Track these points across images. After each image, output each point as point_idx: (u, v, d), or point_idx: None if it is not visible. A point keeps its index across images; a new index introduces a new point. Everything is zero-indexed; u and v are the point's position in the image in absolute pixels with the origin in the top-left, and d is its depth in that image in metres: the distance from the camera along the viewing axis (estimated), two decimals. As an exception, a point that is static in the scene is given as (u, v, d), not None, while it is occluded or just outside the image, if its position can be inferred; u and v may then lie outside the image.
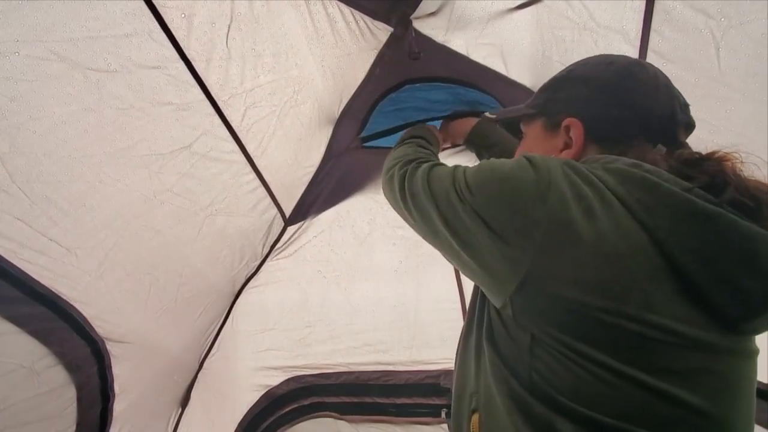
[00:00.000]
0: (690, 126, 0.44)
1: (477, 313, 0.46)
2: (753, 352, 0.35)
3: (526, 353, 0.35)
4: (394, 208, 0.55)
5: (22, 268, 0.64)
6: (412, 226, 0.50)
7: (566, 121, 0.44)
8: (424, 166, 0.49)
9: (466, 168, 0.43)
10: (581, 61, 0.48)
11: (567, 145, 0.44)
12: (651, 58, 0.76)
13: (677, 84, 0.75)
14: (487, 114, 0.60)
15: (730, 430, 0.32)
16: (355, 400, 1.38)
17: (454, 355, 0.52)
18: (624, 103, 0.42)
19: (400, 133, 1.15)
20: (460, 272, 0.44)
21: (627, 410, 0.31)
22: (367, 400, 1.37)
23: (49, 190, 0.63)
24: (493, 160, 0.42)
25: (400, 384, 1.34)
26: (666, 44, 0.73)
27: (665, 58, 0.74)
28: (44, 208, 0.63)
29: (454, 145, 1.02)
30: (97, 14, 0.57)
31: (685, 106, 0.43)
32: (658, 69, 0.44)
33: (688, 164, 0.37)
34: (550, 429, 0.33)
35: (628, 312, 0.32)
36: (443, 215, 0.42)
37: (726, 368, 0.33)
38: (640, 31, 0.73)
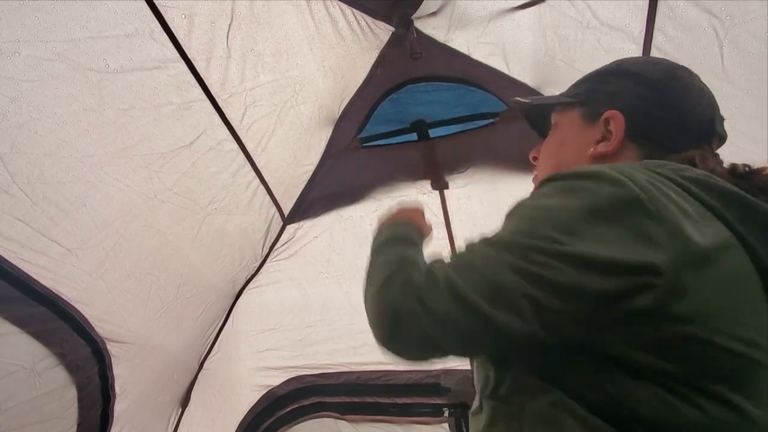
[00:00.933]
0: (723, 139, 0.43)
1: None
2: None
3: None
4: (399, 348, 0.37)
5: (23, 269, 0.64)
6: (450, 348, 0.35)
7: (607, 113, 0.42)
8: (437, 267, 0.35)
9: (500, 231, 0.34)
10: (627, 58, 0.47)
11: (604, 138, 0.42)
12: (654, 56, 0.75)
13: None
14: (518, 98, 0.56)
15: None
16: (356, 400, 1.37)
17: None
18: (669, 103, 0.41)
19: (401, 134, 1.16)
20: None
21: None
22: (368, 400, 1.36)
23: (49, 191, 0.63)
24: (525, 200, 0.35)
25: (401, 384, 1.33)
26: (669, 42, 0.72)
27: (669, 56, 0.74)
28: (45, 208, 0.63)
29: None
30: (98, 14, 0.57)
31: (722, 120, 0.42)
32: (699, 78, 0.43)
33: (738, 176, 0.35)
34: None
35: (742, 330, 0.29)
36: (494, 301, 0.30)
37: None
38: (644, 30, 0.72)
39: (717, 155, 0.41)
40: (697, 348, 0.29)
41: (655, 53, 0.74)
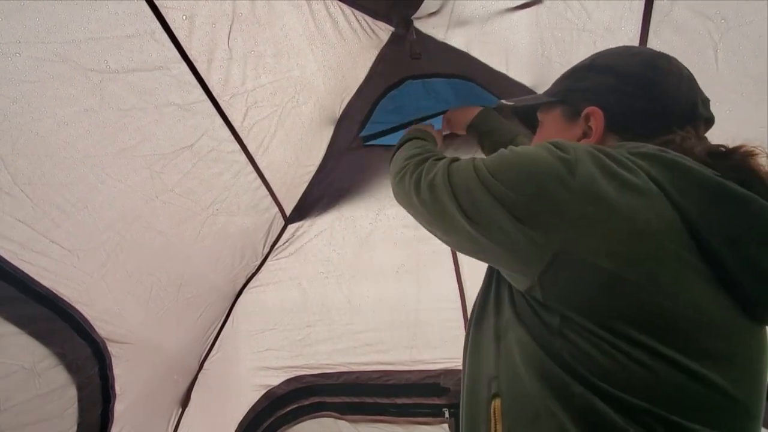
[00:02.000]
0: (710, 121, 0.43)
1: (494, 299, 0.45)
2: (764, 337, 0.34)
3: (557, 335, 0.34)
4: (409, 210, 0.51)
5: (24, 270, 0.64)
6: (428, 224, 0.48)
7: (587, 110, 0.43)
8: (443, 161, 0.47)
9: (485, 158, 0.42)
10: (604, 51, 0.47)
11: (585, 135, 0.44)
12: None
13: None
14: (503, 101, 0.58)
15: (753, 416, 0.32)
16: (356, 400, 1.38)
17: (463, 348, 0.50)
18: (647, 94, 0.42)
19: (401, 132, 1.16)
20: (485, 261, 0.44)
21: (662, 393, 0.31)
22: (368, 400, 1.37)
23: (51, 192, 0.63)
24: (513, 147, 0.41)
25: (401, 384, 1.34)
26: (664, 45, 0.73)
27: (664, 59, 0.75)
28: (46, 209, 0.63)
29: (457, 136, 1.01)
30: (99, 15, 0.57)
31: (706, 101, 0.43)
32: (681, 63, 0.43)
33: (714, 156, 0.36)
34: (590, 410, 0.32)
35: (661, 288, 0.31)
36: (462, 206, 0.41)
37: (750, 353, 0.33)
38: (639, 32, 0.73)
39: (703, 138, 0.42)
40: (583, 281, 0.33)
41: (651, 55, 0.75)
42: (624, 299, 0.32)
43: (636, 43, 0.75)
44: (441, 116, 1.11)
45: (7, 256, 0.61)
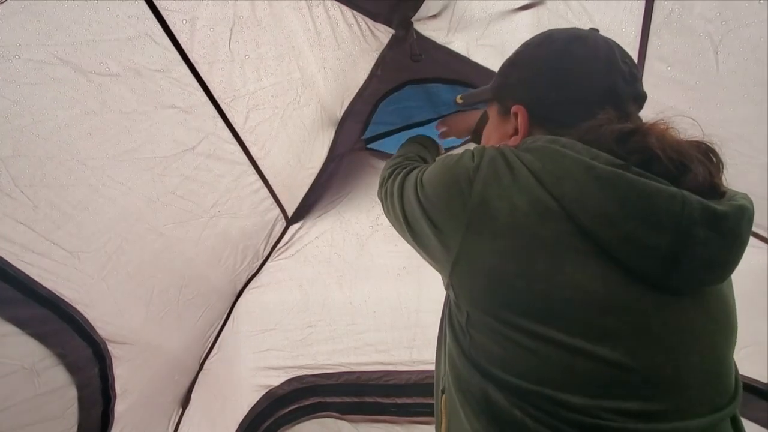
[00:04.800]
0: (639, 97, 0.43)
1: (445, 302, 0.49)
2: (706, 310, 0.34)
3: (465, 331, 0.38)
4: (387, 219, 0.58)
5: (25, 271, 0.64)
6: (397, 231, 0.53)
7: (513, 108, 0.45)
8: (403, 172, 0.52)
9: (428, 168, 0.46)
10: (529, 40, 0.47)
11: (515, 131, 0.45)
12: (650, 61, 0.76)
13: (676, 87, 0.76)
14: (457, 98, 0.61)
15: (669, 385, 0.32)
16: (356, 400, 1.38)
17: None
18: (560, 84, 0.42)
19: (402, 134, 1.16)
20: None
21: (547, 373, 0.33)
22: (368, 400, 1.37)
23: (52, 194, 0.63)
24: (447, 155, 0.44)
25: (401, 384, 1.34)
26: (665, 47, 0.73)
27: (664, 60, 0.75)
28: (47, 211, 0.63)
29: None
30: (100, 18, 0.57)
31: (632, 77, 0.42)
32: (604, 39, 0.43)
33: (617, 140, 0.37)
34: (485, 399, 0.35)
35: (536, 273, 0.34)
36: (405, 213, 0.46)
37: (661, 326, 0.33)
38: (639, 34, 0.73)
39: (630, 117, 0.41)
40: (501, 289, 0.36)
41: (650, 57, 0.76)
42: (506, 289, 0.35)
43: (637, 45, 0.75)
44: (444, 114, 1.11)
45: (8, 258, 0.61)
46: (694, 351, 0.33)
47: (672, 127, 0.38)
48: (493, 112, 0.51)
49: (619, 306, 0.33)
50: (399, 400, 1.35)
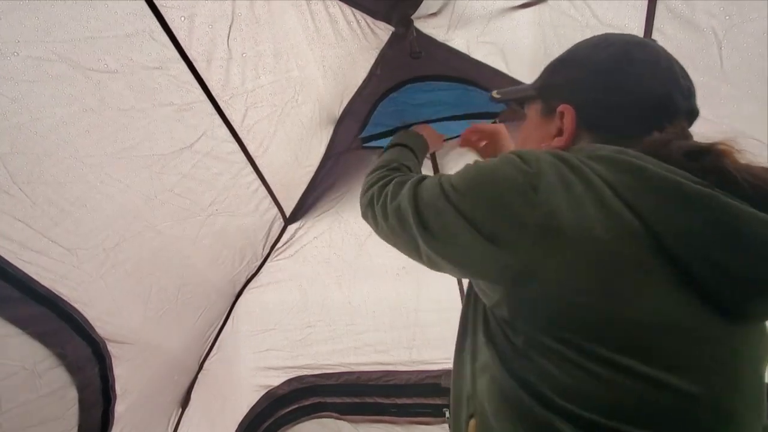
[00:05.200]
0: (693, 113, 0.41)
1: (471, 315, 0.45)
2: (758, 338, 0.33)
3: (522, 356, 0.34)
4: (375, 230, 0.52)
5: (23, 269, 0.64)
6: (396, 245, 0.49)
7: (560, 108, 0.43)
8: (409, 183, 0.46)
9: (450, 175, 0.42)
10: (583, 41, 0.46)
11: (560, 132, 0.43)
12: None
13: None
14: (493, 93, 0.57)
15: (727, 414, 0.31)
16: (356, 400, 1.37)
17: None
18: (616, 87, 0.40)
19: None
20: (457, 275, 0.45)
21: (620, 405, 0.30)
22: (368, 400, 1.37)
23: (50, 191, 0.63)
24: (478, 161, 0.40)
25: (401, 384, 1.34)
26: (668, 43, 0.72)
27: (667, 57, 0.74)
28: (45, 208, 0.63)
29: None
30: (98, 14, 0.57)
31: (689, 92, 0.41)
32: (664, 49, 0.41)
33: (689, 157, 0.35)
34: (549, 430, 0.31)
35: (613, 296, 0.31)
36: (429, 225, 0.40)
37: (726, 354, 0.32)
38: (643, 30, 0.73)
39: (683, 133, 0.40)
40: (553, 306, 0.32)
41: (654, 53, 0.75)
42: (579, 312, 0.32)
43: (639, 40, 0.74)
44: (441, 121, 1.10)
45: (6, 256, 0.61)
46: (751, 380, 0.32)
47: (739, 149, 0.35)
48: (533, 111, 0.48)
49: (699, 335, 0.31)
50: (399, 401, 1.34)
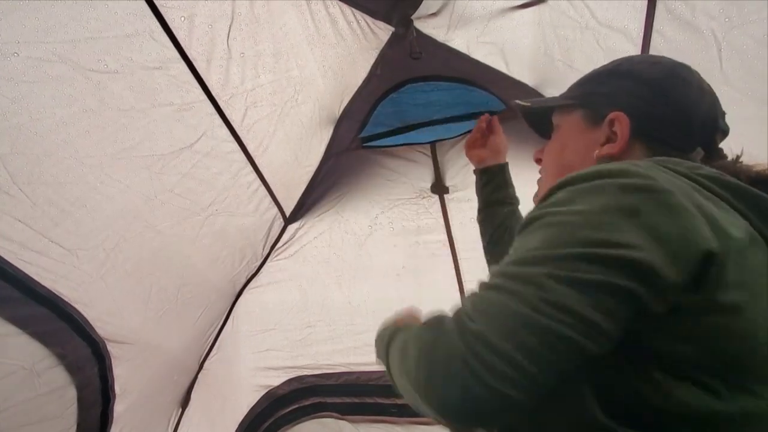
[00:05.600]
0: (725, 133, 0.43)
1: None
2: None
3: (665, 397, 0.28)
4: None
5: (23, 270, 0.64)
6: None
7: (612, 115, 0.42)
8: (453, 315, 0.32)
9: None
10: (625, 57, 0.47)
11: (609, 140, 0.42)
12: (654, 54, 0.75)
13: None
14: (518, 101, 0.56)
15: None
16: (356, 400, 1.38)
17: None
18: (670, 102, 0.41)
19: (400, 135, 1.16)
20: None
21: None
22: (368, 400, 1.37)
23: (50, 191, 0.63)
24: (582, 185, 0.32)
25: (401, 384, 1.33)
26: (668, 44, 0.73)
27: (667, 58, 0.74)
28: (45, 209, 0.63)
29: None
30: (98, 15, 0.57)
31: (724, 114, 0.43)
32: (698, 73, 0.43)
33: (755, 182, 0.35)
34: None
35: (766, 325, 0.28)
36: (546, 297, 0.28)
37: None
38: (642, 31, 0.73)
39: (721, 150, 0.42)
40: (736, 340, 0.28)
41: (653, 54, 0.75)
42: (741, 345, 0.28)
43: (639, 41, 0.75)
44: (441, 123, 1.11)
45: (6, 256, 0.61)
46: None
47: None
48: (574, 119, 0.47)
49: None
50: (399, 401, 1.34)
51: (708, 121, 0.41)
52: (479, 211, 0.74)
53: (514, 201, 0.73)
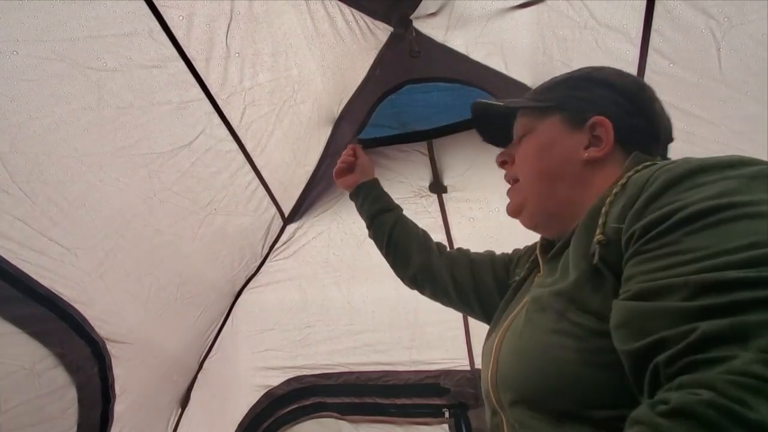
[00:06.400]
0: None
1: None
2: None
3: None
4: None
5: (22, 269, 0.64)
6: None
7: (595, 119, 0.43)
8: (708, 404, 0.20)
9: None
10: (592, 66, 0.48)
11: (592, 144, 0.43)
12: (652, 58, 0.75)
13: (678, 84, 0.75)
14: (483, 100, 0.55)
15: None
16: (356, 400, 1.37)
17: None
18: (644, 113, 0.43)
19: (400, 140, 1.16)
20: None
21: None
22: (368, 400, 1.37)
23: (49, 190, 0.63)
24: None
25: (401, 384, 1.33)
26: (667, 44, 0.73)
27: (666, 57, 0.74)
28: (44, 208, 0.63)
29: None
30: (98, 13, 0.57)
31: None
32: None
33: None
34: None
35: None
36: None
37: None
38: (641, 31, 0.73)
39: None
40: None
41: (652, 54, 0.75)
42: None
43: (638, 41, 0.75)
44: (441, 125, 1.10)
45: (5, 256, 0.61)
46: None
47: None
48: (551, 122, 0.46)
49: None
50: (398, 401, 1.34)
51: (668, 135, 0.44)
52: (368, 227, 0.76)
53: (395, 207, 0.76)
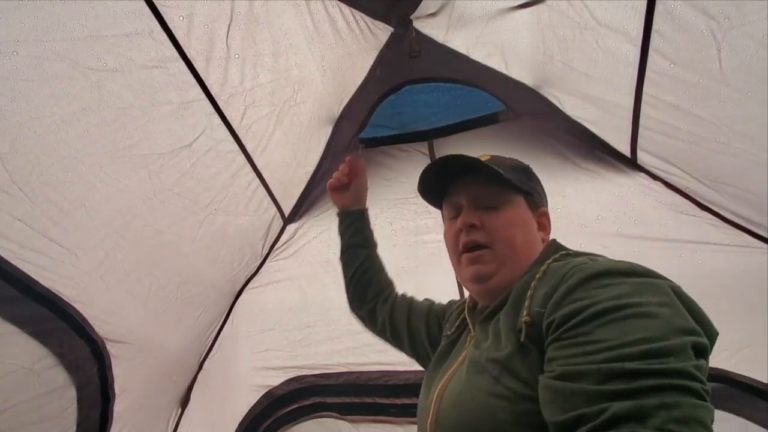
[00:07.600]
0: None
1: None
2: None
3: None
4: None
5: (22, 269, 0.64)
6: None
7: (544, 209, 0.53)
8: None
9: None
10: (519, 162, 0.56)
11: (541, 228, 0.51)
12: (653, 58, 0.75)
13: (679, 84, 0.75)
14: (489, 163, 0.50)
15: None
16: (356, 400, 1.37)
17: None
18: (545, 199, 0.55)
19: (400, 140, 1.15)
20: None
21: None
22: (368, 400, 1.36)
23: (49, 191, 0.63)
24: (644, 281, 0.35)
25: (401, 384, 1.33)
26: (667, 44, 0.73)
27: (667, 58, 0.74)
28: (44, 208, 0.63)
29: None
30: (98, 14, 0.57)
31: None
32: None
33: None
34: None
35: None
36: None
37: None
38: (642, 31, 0.73)
39: None
40: None
41: (653, 55, 0.75)
42: None
43: (639, 42, 0.75)
44: (441, 125, 1.10)
45: (6, 256, 0.61)
46: None
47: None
48: (518, 201, 0.50)
49: None
50: (398, 401, 1.34)
51: None
52: (341, 252, 0.79)
53: (372, 245, 0.79)
